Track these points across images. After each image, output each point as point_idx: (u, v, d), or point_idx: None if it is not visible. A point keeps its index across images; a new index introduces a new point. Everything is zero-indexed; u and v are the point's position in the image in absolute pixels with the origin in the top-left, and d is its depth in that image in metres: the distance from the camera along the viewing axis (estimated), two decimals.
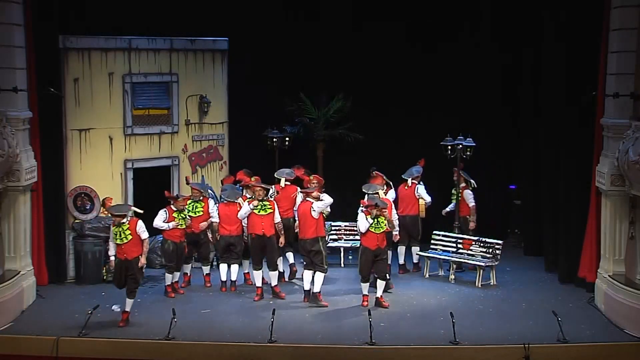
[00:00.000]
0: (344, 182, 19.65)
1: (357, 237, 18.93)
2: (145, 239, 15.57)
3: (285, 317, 15.48)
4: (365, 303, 16.22)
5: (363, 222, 16.16)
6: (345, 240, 19.32)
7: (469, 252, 18.11)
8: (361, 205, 16.36)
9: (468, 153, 18.85)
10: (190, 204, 17.25)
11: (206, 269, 17.69)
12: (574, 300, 16.72)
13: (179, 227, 16.86)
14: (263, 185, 17.13)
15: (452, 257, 18.16)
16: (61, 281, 17.67)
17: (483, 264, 17.74)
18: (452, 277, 18.04)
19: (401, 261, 18.58)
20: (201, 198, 17.45)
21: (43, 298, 16.71)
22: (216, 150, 19.85)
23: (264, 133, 20.39)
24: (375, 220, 16.07)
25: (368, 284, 16.35)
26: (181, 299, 16.75)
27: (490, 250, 17.87)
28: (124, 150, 18.55)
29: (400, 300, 16.74)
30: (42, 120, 16.96)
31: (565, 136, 17.64)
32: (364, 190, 16.90)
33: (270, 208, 16.88)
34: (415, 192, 18.54)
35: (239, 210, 17.09)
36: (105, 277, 17.80)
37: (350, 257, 19.46)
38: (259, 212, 16.81)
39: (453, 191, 19.08)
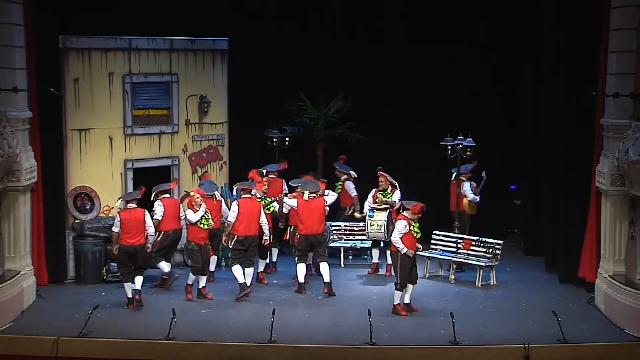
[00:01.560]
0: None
1: (357, 237, 19.09)
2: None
3: (285, 317, 15.47)
4: (404, 312, 15.90)
5: (406, 228, 15.82)
6: (345, 240, 19.30)
7: (469, 252, 18.14)
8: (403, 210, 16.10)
9: (468, 153, 18.88)
10: None
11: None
12: (574, 300, 16.72)
13: (202, 226, 16.68)
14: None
15: (452, 257, 18.16)
16: (61, 281, 17.68)
17: (483, 264, 17.75)
18: (452, 277, 18.05)
19: None
20: None
21: (43, 298, 16.71)
22: (216, 150, 19.84)
23: (264, 133, 20.41)
24: (416, 224, 15.97)
25: (402, 292, 16.01)
26: (181, 299, 16.73)
27: (490, 250, 17.87)
28: (124, 150, 18.54)
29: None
30: (42, 120, 16.95)
31: (565, 136, 17.64)
32: (292, 183, 17.53)
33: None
34: (461, 189, 18.83)
35: (214, 204, 17.32)
36: (105, 277, 17.82)
37: (350, 257, 19.48)
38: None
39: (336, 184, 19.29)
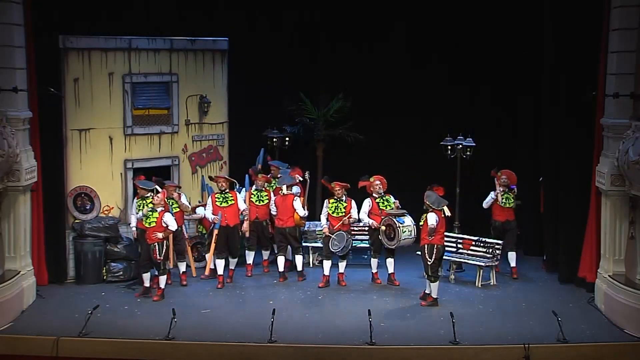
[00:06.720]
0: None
1: (358, 237, 19.04)
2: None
3: (285, 317, 15.48)
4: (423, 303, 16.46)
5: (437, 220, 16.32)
6: None
7: (469, 252, 18.14)
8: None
9: (468, 153, 18.90)
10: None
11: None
12: (574, 300, 16.73)
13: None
14: (226, 177, 18.16)
15: (452, 257, 18.16)
16: (61, 281, 17.67)
17: (483, 264, 17.75)
18: (452, 277, 18.05)
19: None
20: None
21: (43, 298, 16.71)
22: (216, 150, 19.84)
23: (264, 133, 20.40)
24: None
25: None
26: (181, 299, 16.74)
27: (490, 250, 17.88)
28: (124, 150, 18.54)
29: (400, 300, 16.76)
30: (42, 120, 16.95)
31: (565, 136, 17.64)
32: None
33: (232, 200, 17.85)
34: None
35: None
36: (105, 277, 17.82)
37: (350, 257, 19.44)
38: (220, 204, 17.82)
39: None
